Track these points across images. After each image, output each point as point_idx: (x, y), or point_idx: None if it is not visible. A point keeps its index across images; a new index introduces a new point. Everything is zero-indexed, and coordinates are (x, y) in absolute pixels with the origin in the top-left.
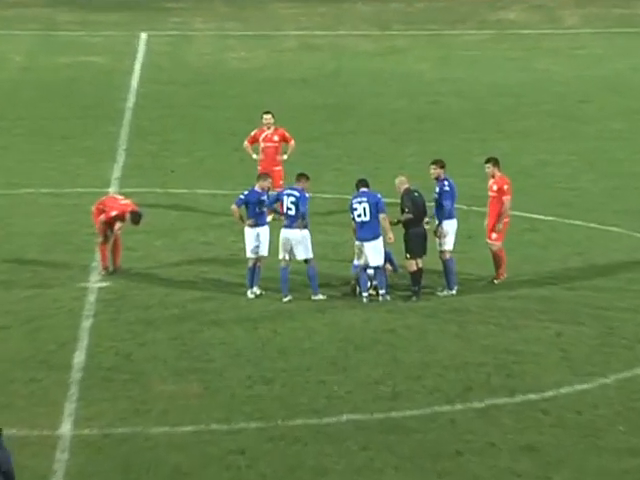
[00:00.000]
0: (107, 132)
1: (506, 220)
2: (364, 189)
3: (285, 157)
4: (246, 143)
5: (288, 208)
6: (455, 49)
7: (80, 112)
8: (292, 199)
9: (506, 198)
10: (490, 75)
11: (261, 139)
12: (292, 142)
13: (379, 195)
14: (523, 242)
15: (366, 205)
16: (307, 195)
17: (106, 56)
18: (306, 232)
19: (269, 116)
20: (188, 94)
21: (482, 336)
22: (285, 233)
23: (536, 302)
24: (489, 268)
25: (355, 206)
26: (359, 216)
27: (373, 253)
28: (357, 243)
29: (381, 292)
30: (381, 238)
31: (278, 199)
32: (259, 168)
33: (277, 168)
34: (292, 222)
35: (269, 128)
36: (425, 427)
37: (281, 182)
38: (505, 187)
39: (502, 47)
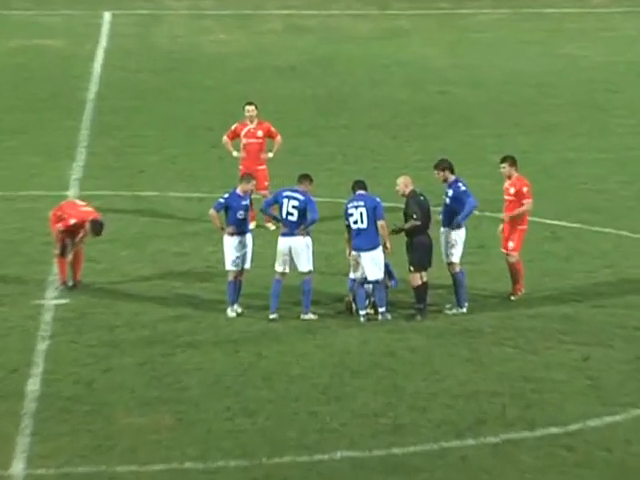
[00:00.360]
0: (65, 126)
1: (524, 227)
2: (361, 192)
3: (270, 155)
4: (225, 139)
5: (289, 213)
6: (466, 31)
7: (34, 104)
8: (294, 203)
9: (527, 202)
10: (507, 61)
11: (243, 134)
12: (278, 138)
13: (378, 199)
14: (544, 252)
15: (363, 210)
16: (314, 199)
17: (64, 39)
18: (309, 240)
19: (252, 107)
20: (158, 83)
21: (497, 361)
22: (286, 242)
23: (559, 321)
24: (505, 282)
25: (351, 211)
26: (355, 222)
27: (371, 265)
28: (353, 254)
29: (380, 310)
30: (380, 248)
31: (276, 202)
32: (240, 167)
33: (261, 167)
34: (293, 229)
35: (252, 122)
36: (432, 465)
37: (266, 183)
38: (524, 189)
39: (520, 29)
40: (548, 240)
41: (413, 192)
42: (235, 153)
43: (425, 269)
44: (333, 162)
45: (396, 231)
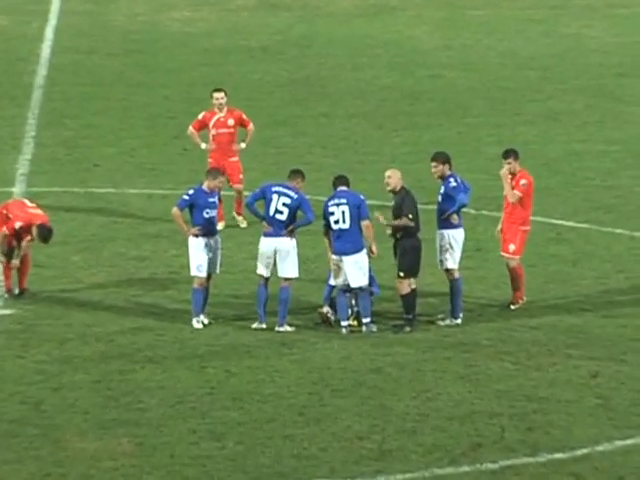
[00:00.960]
0: (10, 115)
1: (526, 228)
2: (343, 188)
3: (243, 145)
4: (191, 129)
5: (277, 211)
6: (460, 8)
7: None
8: (286, 200)
9: (515, 193)
10: (505, 42)
11: (211, 124)
12: (251, 126)
13: (362, 196)
14: (548, 256)
15: (345, 208)
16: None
17: (8, 17)
18: (294, 242)
19: (221, 95)
20: (115, 66)
21: (495, 378)
22: (270, 243)
23: (565, 333)
24: (504, 289)
25: (332, 209)
26: (336, 222)
27: (355, 270)
28: (334, 258)
29: (365, 321)
30: (364, 251)
31: (263, 197)
32: (210, 161)
33: (233, 159)
34: (280, 229)
35: (221, 110)
36: None
37: (241, 176)
38: (522, 182)
39: (521, 5)
40: (553, 242)
41: (403, 189)
42: (203, 145)
43: (415, 275)
44: (311, 155)
45: (392, 232)
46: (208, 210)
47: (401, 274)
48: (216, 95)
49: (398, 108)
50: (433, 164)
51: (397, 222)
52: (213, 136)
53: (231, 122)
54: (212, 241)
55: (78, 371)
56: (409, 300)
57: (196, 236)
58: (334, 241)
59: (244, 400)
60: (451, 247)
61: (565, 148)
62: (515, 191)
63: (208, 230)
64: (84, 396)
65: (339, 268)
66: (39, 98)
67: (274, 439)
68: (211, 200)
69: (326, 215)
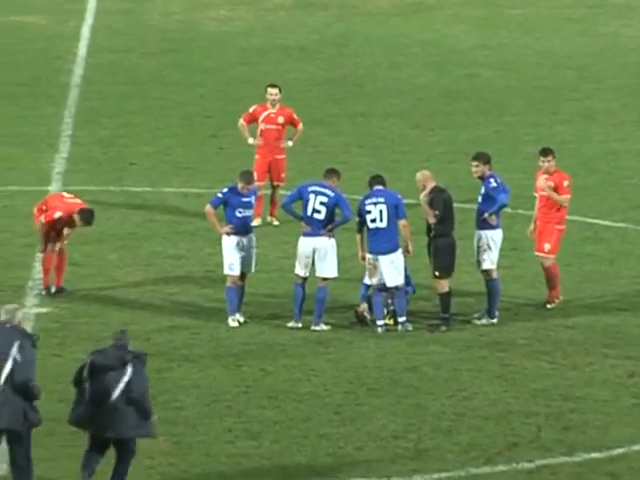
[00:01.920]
0: (47, 114)
1: (562, 228)
2: (379, 187)
3: (290, 144)
4: (242, 122)
5: (315, 210)
6: (497, 7)
7: (11, 88)
8: (323, 199)
9: (566, 197)
10: (542, 41)
11: (261, 119)
12: (300, 126)
13: (399, 196)
14: (584, 255)
15: (383, 207)
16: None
17: (45, 16)
18: (334, 241)
19: (275, 90)
20: (151, 65)
21: (531, 377)
22: (309, 242)
23: (601, 333)
24: (540, 288)
25: (369, 208)
26: (373, 221)
27: (391, 269)
28: (370, 257)
29: (400, 320)
30: (400, 250)
31: (300, 197)
32: (257, 157)
33: (280, 157)
34: (318, 229)
35: (273, 106)
36: None
37: (282, 175)
38: (565, 183)
39: (559, 4)
40: (589, 241)
41: (438, 188)
42: (251, 140)
43: (450, 275)
44: (348, 154)
45: (426, 231)
46: (241, 210)
47: (436, 273)
48: (270, 90)
49: (435, 107)
50: (474, 164)
51: (428, 209)
52: (261, 131)
53: (281, 120)
54: (245, 240)
55: None
56: (447, 300)
57: (228, 235)
58: (370, 240)
59: (280, 399)
60: (489, 248)
61: (602, 147)
62: (565, 195)
63: (241, 229)
64: None
65: (375, 267)
66: (76, 97)
67: (310, 438)
68: (245, 200)
69: (362, 213)
